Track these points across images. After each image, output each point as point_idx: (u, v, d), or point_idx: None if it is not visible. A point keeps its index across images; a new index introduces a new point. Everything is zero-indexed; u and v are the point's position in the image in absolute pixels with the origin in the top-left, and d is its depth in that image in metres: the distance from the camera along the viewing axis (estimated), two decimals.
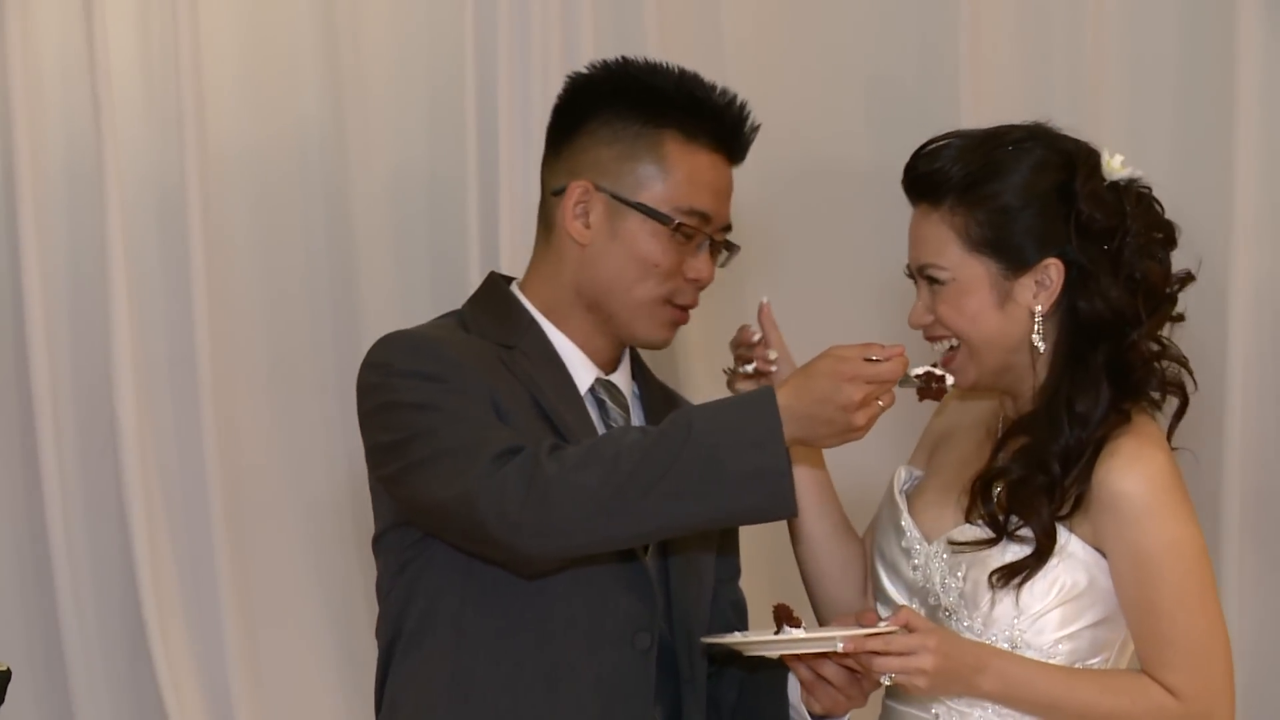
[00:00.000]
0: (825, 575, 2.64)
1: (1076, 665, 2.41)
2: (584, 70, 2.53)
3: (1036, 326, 2.40)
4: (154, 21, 3.88)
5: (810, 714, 2.47)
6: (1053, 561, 2.38)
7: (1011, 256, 2.39)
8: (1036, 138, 2.45)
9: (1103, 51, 3.98)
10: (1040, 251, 2.39)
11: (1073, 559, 2.38)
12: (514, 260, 3.84)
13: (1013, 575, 2.37)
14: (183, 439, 3.93)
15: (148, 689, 3.90)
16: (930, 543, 2.48)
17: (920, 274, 2.45)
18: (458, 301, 3.84)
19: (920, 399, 2.45)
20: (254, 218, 3.98)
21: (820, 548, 2.63)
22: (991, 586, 2.38)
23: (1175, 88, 3.99)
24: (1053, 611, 2.39)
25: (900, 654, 2.31)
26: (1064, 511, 2.38)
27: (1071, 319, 2.41)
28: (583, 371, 2.49)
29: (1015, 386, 2.47)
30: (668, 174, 2.44)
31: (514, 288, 2.54)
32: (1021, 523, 2.38)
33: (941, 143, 2.44)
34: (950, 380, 2.40)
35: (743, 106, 2.50)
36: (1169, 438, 2.47)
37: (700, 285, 2.49)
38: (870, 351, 2.25)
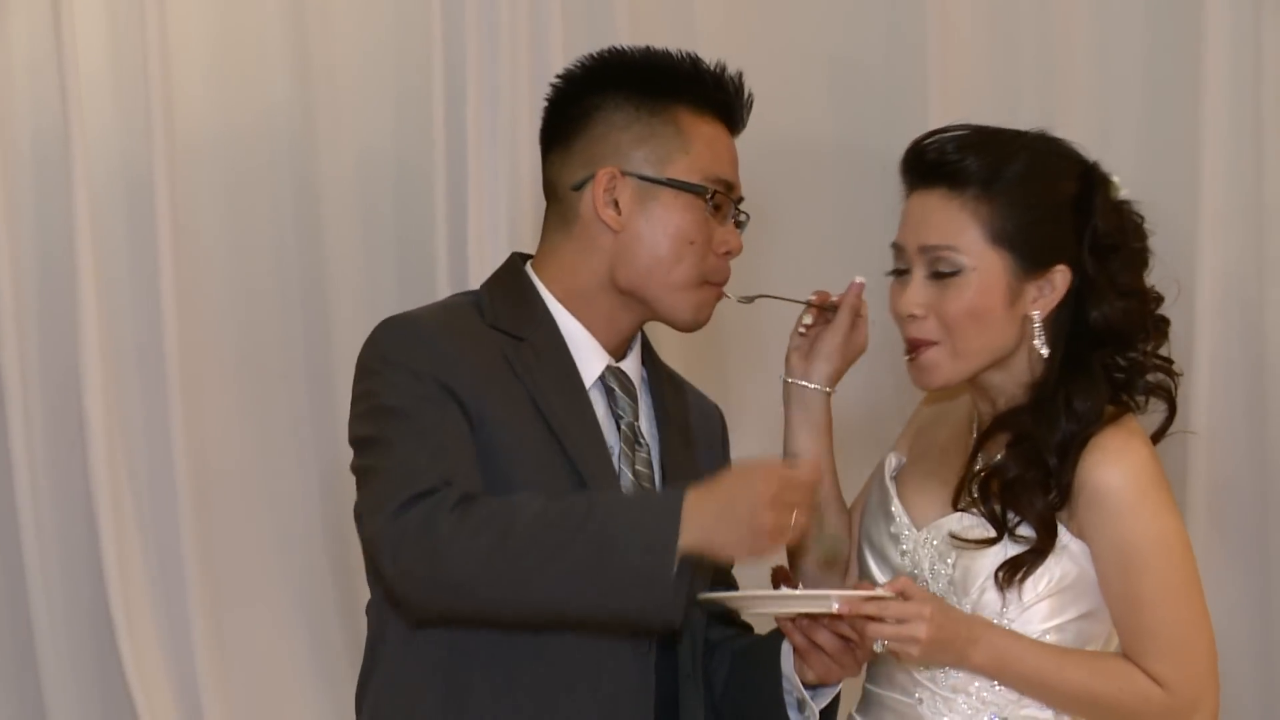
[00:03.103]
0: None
1: None
2: (575, 66, 2.54)
3: (1037, 332, 2.42)
4: (122, 11, 3.86)
5: (803, 683, 2.47)
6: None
7: (1029, 256, 2.41)
8: (1053, 145, 2.47)
9: (1070, 39, 3.98)
10: (1054, 256, 2.41)
11: (1064, 551, 2.40)
12: (480, 248, 3.86)
13: (1015, 570, 2.38)
14: (151, 430, 3.91)
15: (115, 680, 3.89)
16: (919, 529, 2.49)
17: (925, 256, 2.43)
18: (425, 292, 3.90)
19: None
20: (222, 208, 3.96)
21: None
22: (998, 584, 2.39)
23: (1143, 76, 3.99)
24: (1042, 603, 2.40)
25: (895, 621, 2.32)
26: (1057, 504, 2.40)
27: (1074, 326, 2.43)
28: (593, 360, 2.49)
29: (989, 390, 2.48)
30: (688, 147, 2.46)
31: (530, 270, 2.54)
32: (1020, 520, 2.39)
33: (948, 132, 2.44)
34: None
35: (739, 75, 2.52)
36: (1155, 442, 2.48)
37: (731, 257, 2.51)
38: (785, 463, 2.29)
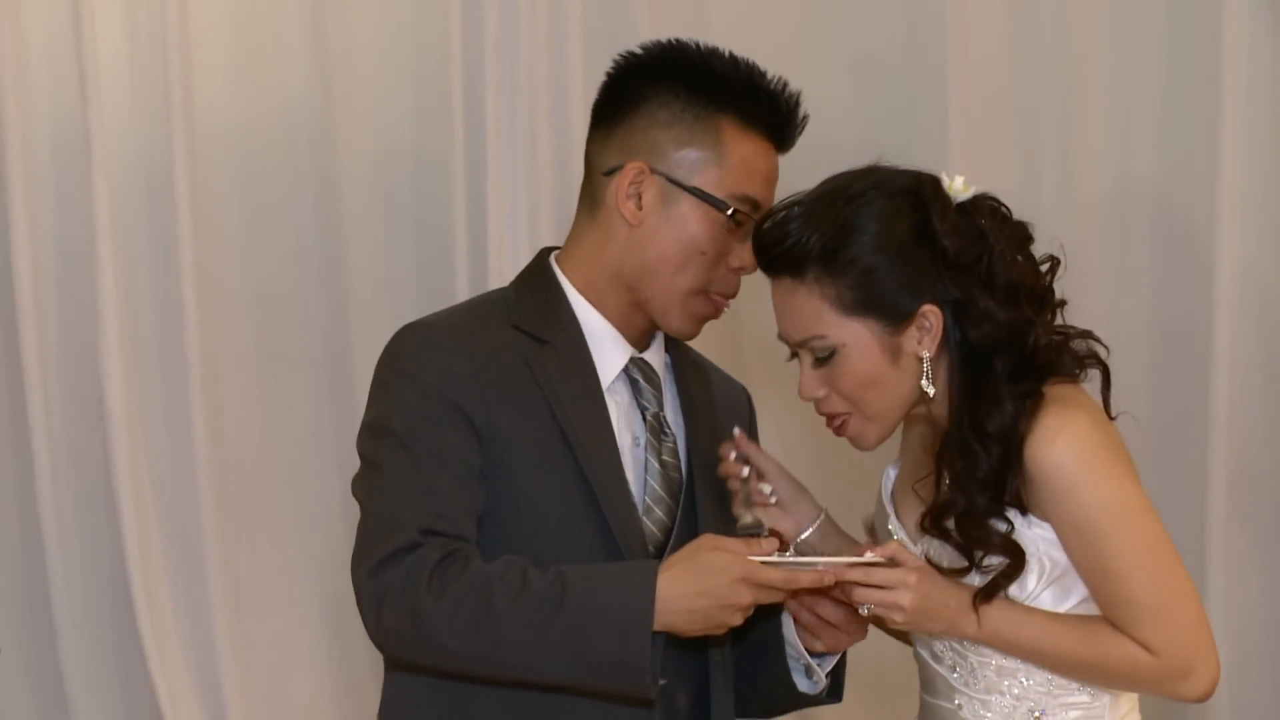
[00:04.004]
0: None
1: None
2: (637, 50, 2.50)
3: (925, 370, 2.39)
4: (141, 4, 3.89)
5: (810, 651, 2.50)
6: (1029, 550, 2.38)
7: (891, 312, 2.37)
8: (879, 186, 2.40)
9: (1089, 37, 3.99)
10: (916, 299, 2.37)
11: (1045, 541, 2.38)
12: (499, 240, 3.89)
13: (990, 596, 2.38)
14: (171, 420, 3.94)
15: (136, 667, 3.92)
16: (915, 543, 2.49)
17: (802, 348, 2.43)
18: (444, 285, 3.90)
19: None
20: (242, 200, 3.99)
21: None
22: (976, 604, 2.38)
23: (1162, 72, 4.01)
24: (1043, 594, 2.40)
25: (879, 587, 2.33)
26: (1013, 506, 2.38)
27: (962, 350, 2.39)
28: (616, 354, 2.49)
29: (925, 419, 2.47)
30: (723, 159, 2.43)
31: (554, 262, 2.53)
32: (984, 553, 2.39)
33: (785, 212, 2.40)
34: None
35: (796, 95, 2.48)
36: (1106, 409, 2.44)
37: (744, 273, 2.49)
38: (756, 550, 2.28)
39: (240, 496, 4.01)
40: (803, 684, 2.54)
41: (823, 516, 2.55)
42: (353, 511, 3.91)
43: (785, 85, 2.48)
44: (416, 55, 3.98)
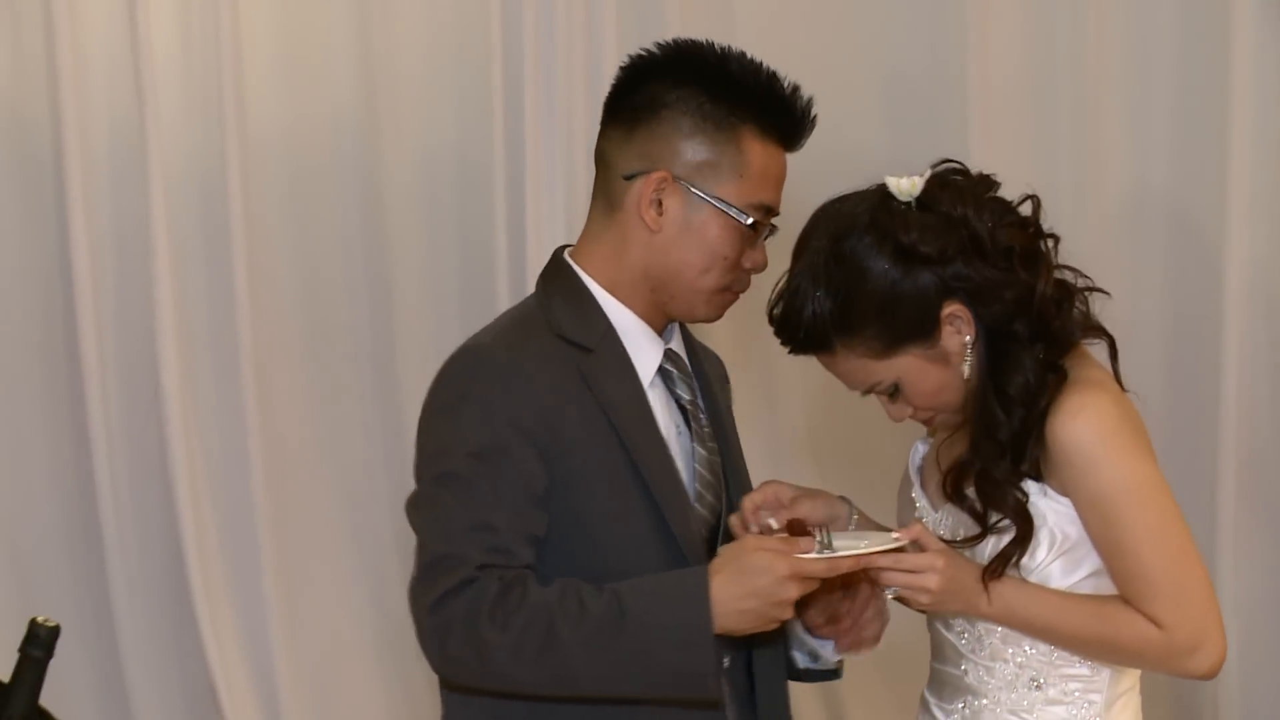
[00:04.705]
0: None
1: None
2: (654, 50, 2.48)
3: (967, 354, 2.44)
4: (195, 10, 3.98)
5: (815, 635, 2.58)
6: (1039, 519, 2.43)
7: (920, 333, 2.42)
8: (841, 235, 2.42)
9: (1104, 51, 4.07)
10: (934, 308, 2.41)
11: (1057, 513, 2.43)
12: (538, 235, 3.98)
13: (1003, 564, 2.43)
14: (224, 409, 4.03)
15: (192, 645, 4.01)
16: (936, 511, 2.56)
17: (870, 393, 2.50)
18: (485, 281, 4.01)
19: None
20: (291, 199, 4.07)
21: None
22: (985, 579, 2.43)
23: (1173, 84, 4.09)
24: (1053, 564, 2.45)
25: (908, 571, 2.39)
26: (1031, 476, 2.43)
27: (985, 323, 2.43)
28: (651, 349, 2.50)
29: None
30: (744, 170, 2.44)
31: (572, 262, 2.52)
32: (1000, 516, 2.44)
33: (786, 299, 2.45)
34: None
35: (808, 99, 2.49)
36: (1117, 378, 2.49)
37: (756, 272, 2.53)
38: (796, 548, 2.33)
39: (290, 479, 4.09)
40: (800, 659, 2.61)
41: (855, 514, 2.58)
42: (398, 493, 3.92)
43: (796, 89, 2.48)
44: (458, 59, 4.04)
